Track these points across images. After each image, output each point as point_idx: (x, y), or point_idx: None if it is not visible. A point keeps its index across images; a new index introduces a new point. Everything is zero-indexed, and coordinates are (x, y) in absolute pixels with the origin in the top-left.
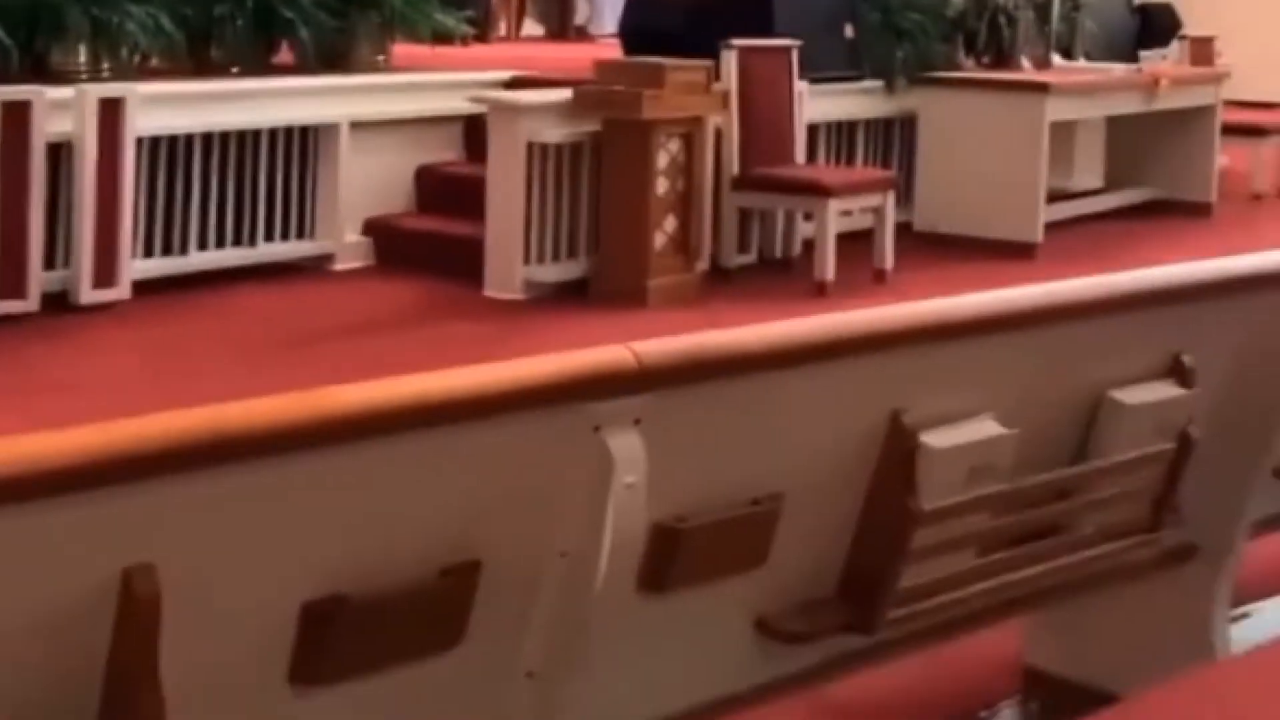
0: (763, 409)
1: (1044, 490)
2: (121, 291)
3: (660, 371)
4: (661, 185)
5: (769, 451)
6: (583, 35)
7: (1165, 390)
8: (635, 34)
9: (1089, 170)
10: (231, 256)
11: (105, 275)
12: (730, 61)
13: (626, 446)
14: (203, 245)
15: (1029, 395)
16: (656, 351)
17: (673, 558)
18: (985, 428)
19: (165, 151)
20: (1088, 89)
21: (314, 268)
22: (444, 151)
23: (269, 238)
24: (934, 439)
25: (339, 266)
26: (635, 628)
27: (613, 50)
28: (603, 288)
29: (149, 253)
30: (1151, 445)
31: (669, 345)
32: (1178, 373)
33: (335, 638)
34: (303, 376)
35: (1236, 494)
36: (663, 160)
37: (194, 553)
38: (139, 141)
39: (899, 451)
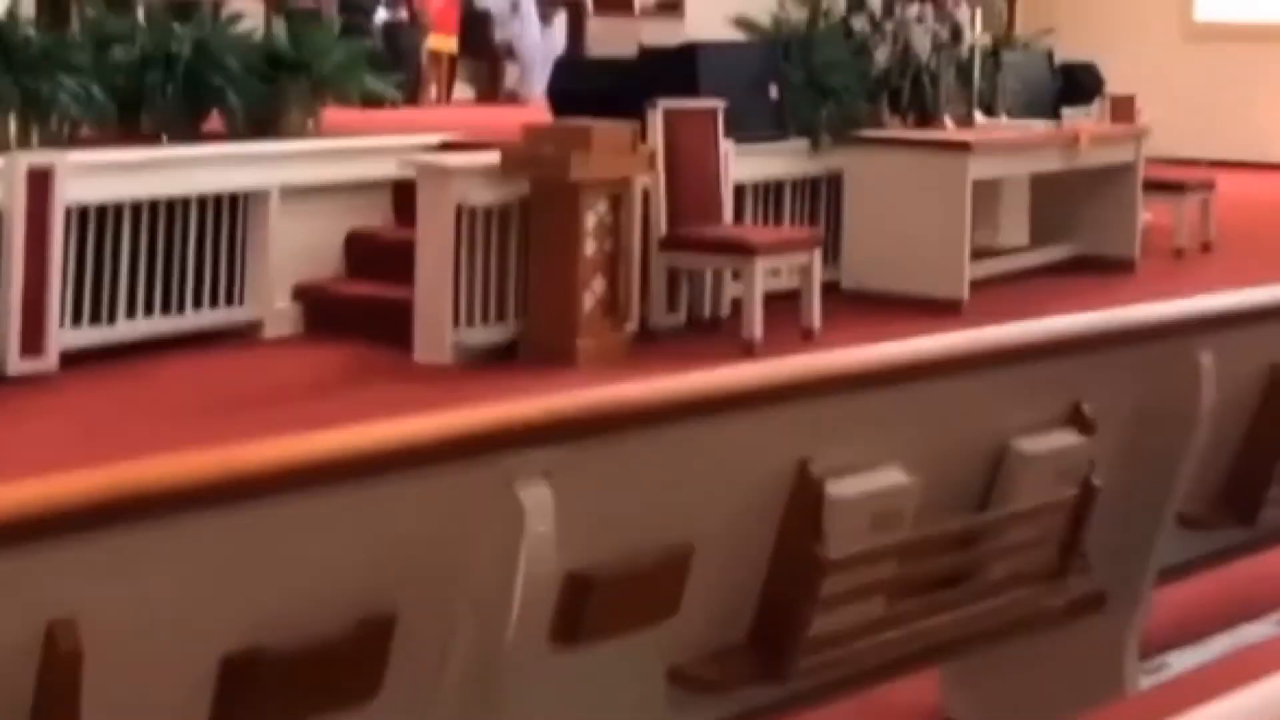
0: (671, 460)
1: (949, 538)
2: (49, 362)
3: (569, 424)
4: (590, 246)
5: (678, 502)
6: (513, 99)
7: (1066, 439)
8: (563, 96)
9: (1014, 227)
10: (160, 325)
11: (33, 345)
12: (656, 122)
13: (537, 498)
14: (131, 314)
15: (934, 444)
16: (565, 405)
17: (584, 608)
18: (890, 476)
19: (94, 220)
20: (1009, 147)
21: (243, 335)
22: (374, 216)
23: (198, 305)
24: (840, 488)
25: (268, 334)
26: (549, 678)
27: (542, 113)
28: (532, 350)
29: (77, 322)
30: (1055, 493)
31: (577, 399)
32: (1078, 421)
33: (255, 690)
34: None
35: (1143, 542)
36: (591, 221)
37: (115, 607)
38: (68, 210)
39: (806, 500)
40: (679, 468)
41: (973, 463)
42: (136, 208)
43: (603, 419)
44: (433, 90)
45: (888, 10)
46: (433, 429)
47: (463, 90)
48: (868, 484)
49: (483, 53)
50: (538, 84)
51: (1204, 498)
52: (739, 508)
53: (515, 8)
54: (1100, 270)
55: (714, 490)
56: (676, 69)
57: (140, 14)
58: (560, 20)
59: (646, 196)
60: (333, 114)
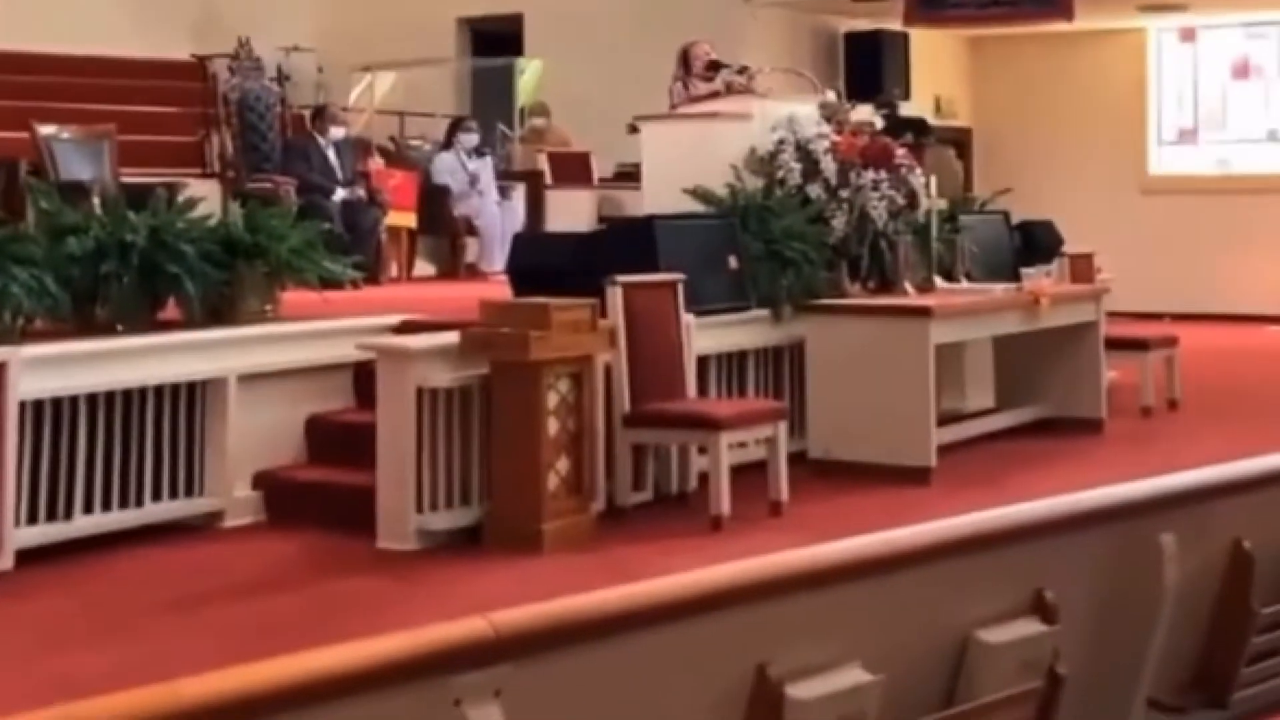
0: (626, 670)
1: None
2: (4, 562)
3: (519, 640)
4: (553, 426)
5: (634, 713)
6: (474, 273)
7: (1029, 627)
8: (522, 272)
9: (980, 389)
10: (118, 519)
11: None
12: (616, 298)
13: (487, 719)
14: (88, 509)
15: (894, 640)
16: (514, 621)
17: None
18: (852, 675)
19: (50, 414)
20: (970, 311)
21: (203, 525)
22: (334, 399)
23: (156, 497)
24: (799, 690)
25: (228, 523)
26: None
27: (502, 287)
28: (497, 534)
29: (33, 519)
30: (1020, 684)
31: (526, 614)
32: (1040, 609)
33: None
34: (185, 646)
35: None
36: (553, 400)
37: None
38: (22, 405)
39: (765, 705)
40: (635, 677)
41: (935, 656)
42: (92, 399)
43: (554, 633)
44: (393, 267)
45: (843, 178)
46: (376, 651)
47: (423, 266)
48: (829, 685)
49: (442, 228)
50: (498, 259)
51: (1174, 681)
52: (697, 715)
53: (473, 183)
54: (1068, 432)
55: (670, 700)
56: (635, 242)
57: (96, 203)
58: (519, 193)
59: (609, 372)
60: (291, 295)
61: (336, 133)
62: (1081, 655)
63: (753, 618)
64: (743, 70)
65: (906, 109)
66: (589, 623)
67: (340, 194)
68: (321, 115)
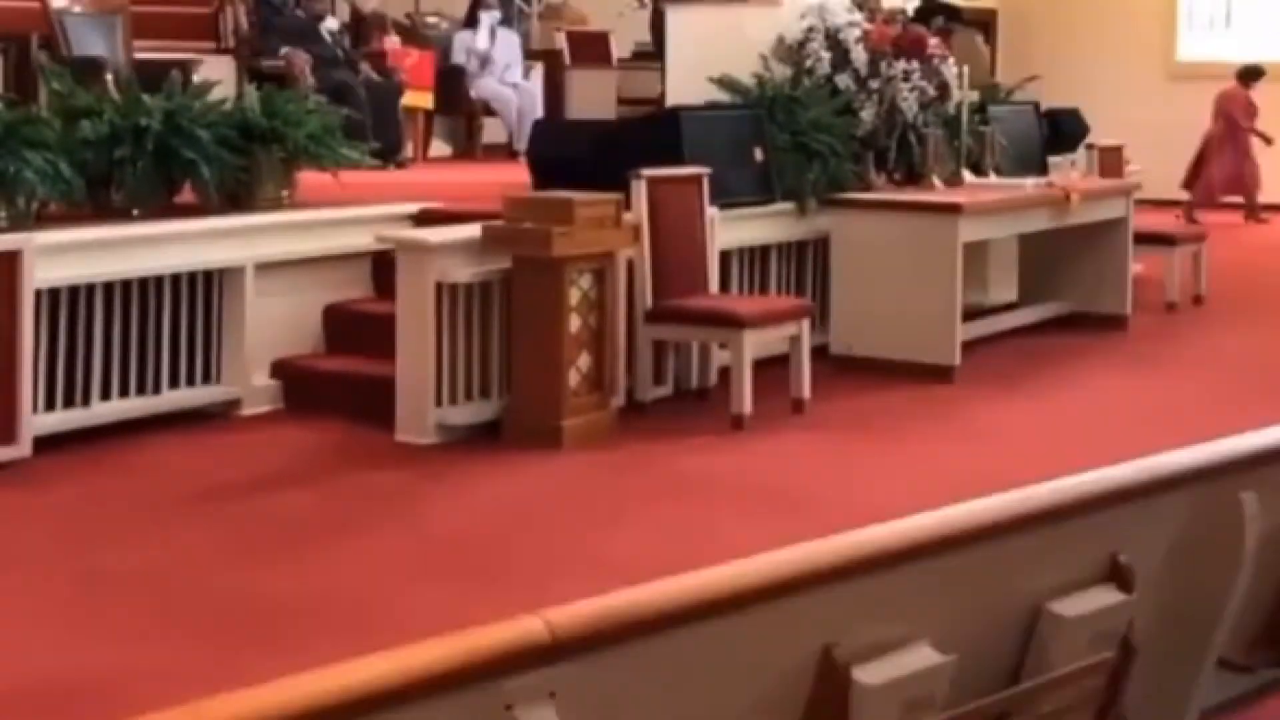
0: (686, 663)
1: (983, 715)
2: (22, 449)
3: (575, 639)
4: (574, 323)
5: (694, 707)
6: (491, 153)
7: (1104, 597)
8: (542, 161)
9: (1003, 284)
10: (136, 406)
11: (4, 433)
12: (640, 192)
13: None
14: (105, 396)
15: (965, 617)
16: (570, 619)
17: None
18: (920, 656)
19: (65, 302)
20: (1000, 208)
21: (221, 414)
22: (352, 289)
23: (174, 385)
24: (867, 674)
25: (246, 412)
26: None
27: (521, 171)
28: (516, 430)
29: (50, 406)
30: (1093, 654)
31: (583, 611)
32: (1116, 576)
33: None
34: (206, 543)
35: (1182, 691)
36: (575, 297)
37: None
38: (37, 293)
39: (831, 690)
40: (694, 669)
41: (1006, 631)
42: (108, 287)
43: (613, 630)
44: (409, 148)
45: (873, 68)
46: (427, 658)
47: (439, 146)
48: (897, 667)
49: (459, 109)
50: (518, 141)
51: (1243, 639)
52: (759, 703)
53: (484, 64)
54: (1092, 328)
55: (732, 689)
56: (660, 133)
57: (109, 81)
58: (537, 73)
59: (631, 268)
60: (308, 178)
61: (331, 23)
62: (1155, 619)
63: (816, 601)
64: None
65: None
66: (649, 617)
67: (340, 75)
68: None
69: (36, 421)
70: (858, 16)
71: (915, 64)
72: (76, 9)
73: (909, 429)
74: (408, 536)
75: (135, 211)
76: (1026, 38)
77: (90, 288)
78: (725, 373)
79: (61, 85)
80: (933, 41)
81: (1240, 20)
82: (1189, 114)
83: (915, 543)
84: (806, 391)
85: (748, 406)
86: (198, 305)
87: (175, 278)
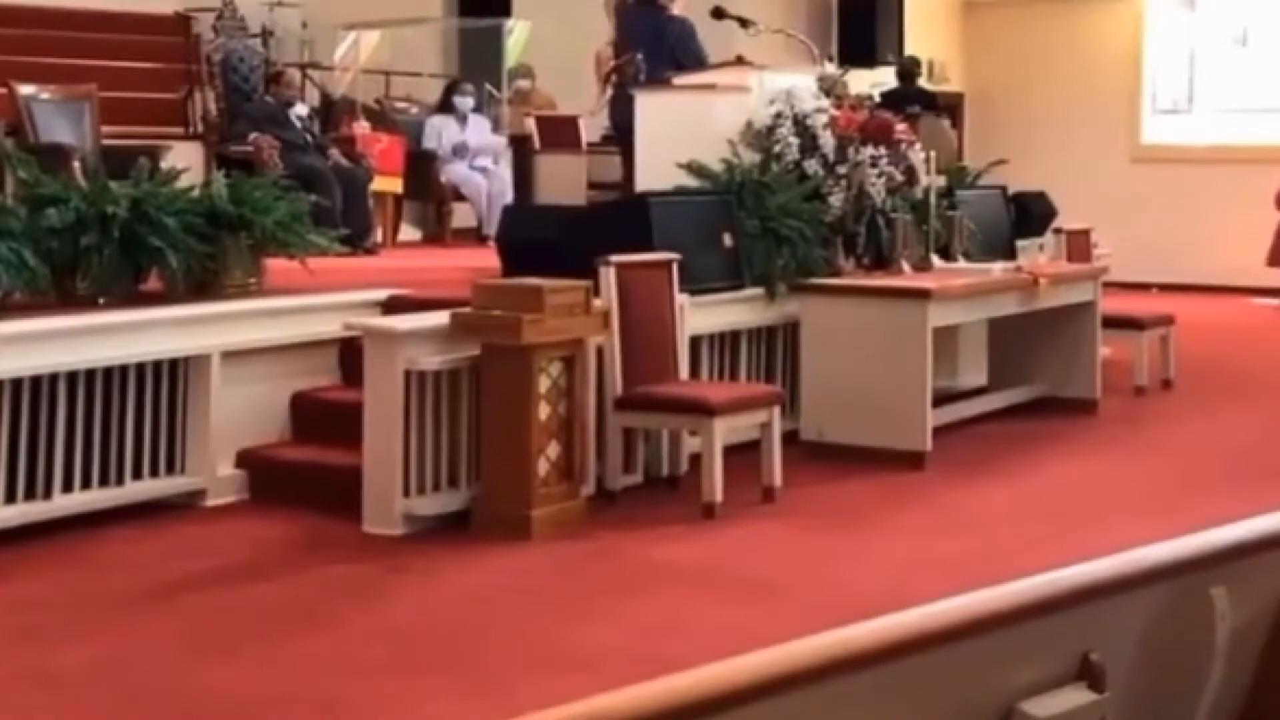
0: None
1: None
2: None
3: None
4: (544, 410)
5: None
6: (460, 237)
7: (1077, 696)
8: (512, 245)
9: (972, 368)
10: (98, 498)
11: None
12: (609, 278)
13: None
14: (68, 488)
15: (935, 719)
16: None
17: None
18: None
19: (28, 391)
20: (969, 292)
21: (185, 505)
22: (320, 377)
23: (137, 476)
24: None
25: (211, 502)
26: None
27: (489, 255)
28: (485, 520)
29: (10, 499)
30: None
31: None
32: (1088, 674)
33: None
34: (165, 637)
35: None
36: (544, 385)
37: None
38: (1, 384)
39: None
40: None
41: None
42: (71, 377)
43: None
44: (378, 233)
45: (841, 154)
46: None
47: (409, 231)
48: None
49: (429, 194)
50: (487, 226)
51: None
52: None
53: (457, 152)
54: (1062, 412)
55: None
56: (629, 219)
57: (78, 171)
58: (506, 159)
59: (600, 354)
60: (276, 264)
61: (300, 108)
62: (1127, 718)
63: (785, 704)
64: (745, 23)
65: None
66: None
67: (309, 160)
68: (277, 81)
69: None
70: (825, 103)
71: (883, 149)
72: (44, 95)
73: (880, 517)
74: (373, 630)
75: (101, 300)
76: (993, 121)
77: (53, 377)
78: (696, 459)
79: (28, 173)
80: (899, 127)
81: (1202, 103)
82: (1154, 196)
83: (884, 644)
84: (778, 479)
85: (719, 495)
86: (162, 394)
87: (140, 366)
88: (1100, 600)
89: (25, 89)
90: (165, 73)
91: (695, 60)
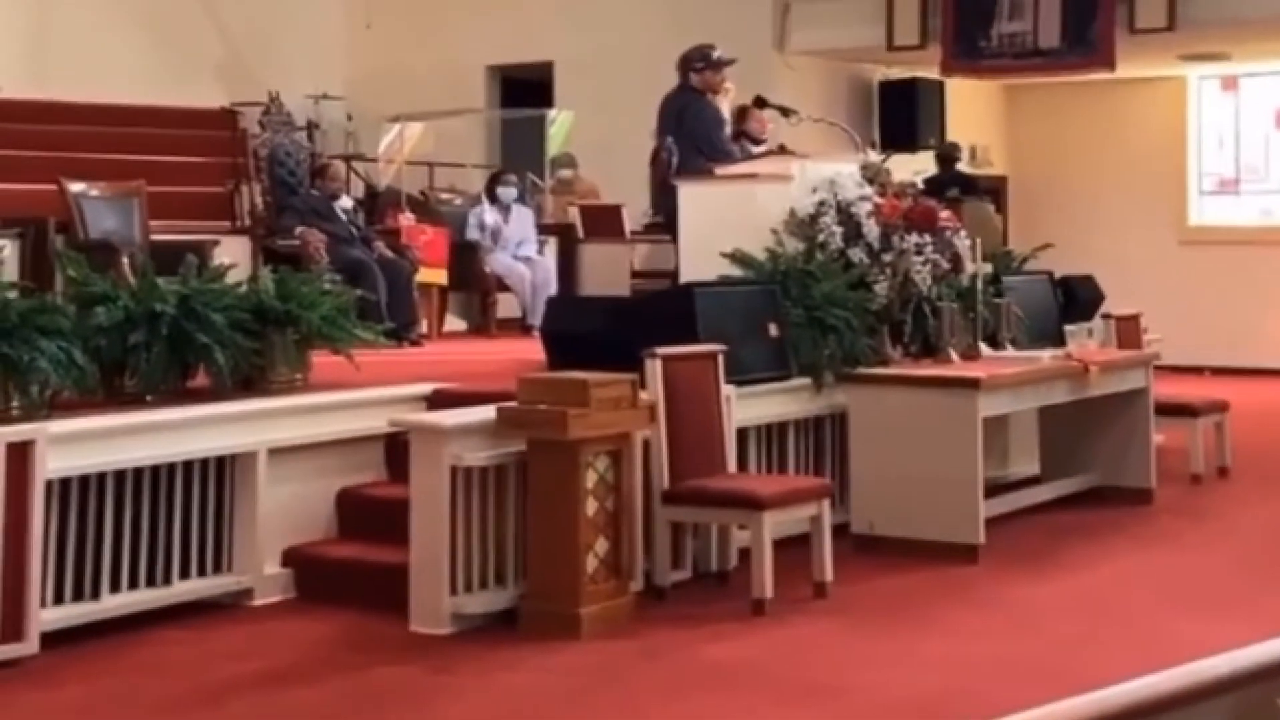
0: None
1: None
2: (29, 646)
3: None
4: (591, 506)
5: None
6: (505, 327)
7: None
8: (557, 337)
9: (1023, 455)
10: (145, 599)
11: (11, 630)
12: (655, 371)
13: None
14: (115, 588)
15: None
16: None
17: None
18: None
19: (76, 491)
20: (1018, 381)
21: (232, 604)
22: (366, 472)
23: (184, 575)
24: None
25: (258, 602)
26: None
27: (535, 346)
28: (533, 619)
29: (59, 600)
30: None
31: None
32: None
33: None
34: None
35: None
36: (591, 480)
37: None
38: (49, 483)
39: None
40: None
41: None
42: (119, 476)
43: None
44: (424, 324)
45: (885, 241)
46: None
47: (454, 322)
48: None
49: (473, 284)
50: (531, 316)
51: None
52: None
53: (495, 238)
54: (1116, 501)
55: None
56: (674, 310)
57: (126, 268)
58: (550, 247)
59: (647, 447)
60: (323, 360)
61: (345, 201)
62: None
63: None
64: (787, 112)
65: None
66: None
67: (355, 253)
68: (322, 174)
69: (45, 616)
70: (868, 190)
71: (927, 237)
72: (94, 192)
73: (934, 613)
74: None
75: (148, 398)
76: (1037, 205)
77: (101, 476)
78: (745, 553)
79: (77, 271)
80: (944, 214)
81: (1248, 184)
82: (1203, 278)
83: None
84: (829, 574)
85: (769, 590)
86: (209, 492)
87: (187, 464)
88: (1163, 714)
89: (75, 186)
90: (213, 166)
91: (709, 146)
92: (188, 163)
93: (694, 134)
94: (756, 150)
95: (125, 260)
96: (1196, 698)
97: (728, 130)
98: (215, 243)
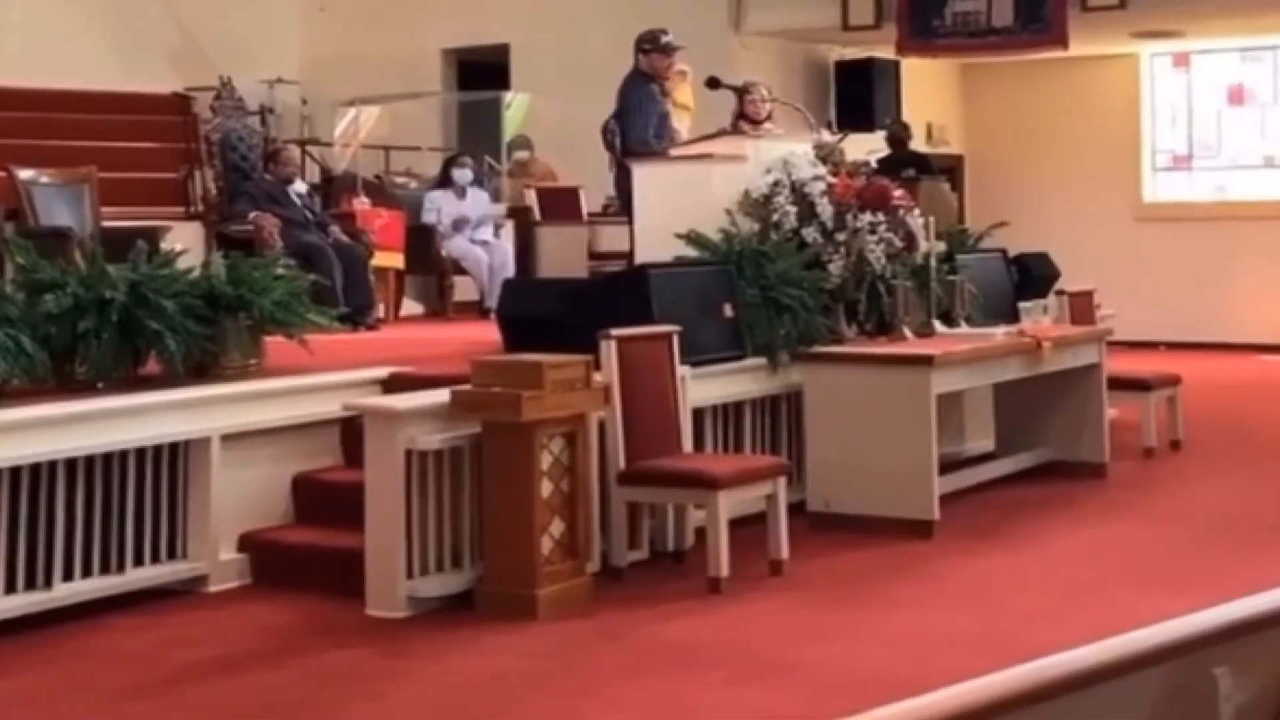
0: None
1: None
2: None
3: None
4: (546, 488)
5: None
6: (463, 310)
7: None
8: (512, 320)
9: (979, 430)
10: (99, 586)
11: None
12: (610, 352)
13: None
14: (68, 576)
15: None
16: None
17: None
18: None
19: (27, 480)
20: (972, 358)
21: (187, 591)
22: (322, 457)
23: (138, 563)
24: None
25: (213, 588)
26: None
27: (490, 329)
28: (490, 601)
29: (11, 589)
30: None
31: None
32: None
33: None
34: None
35: None
36: (546, 461)
37: None
38: None
39: None
40: None
41: None
42: (70, 464)
43: None
44: (380, 308)
45: (839, 221)
46: None
47: (411, 305)
48: None
49: (430, 268)
50: (489, 299)
51: None
52: None
53: (456, 226)
54: (1070, 476)
55: None
56: (628, 292)
57: (77, 255)
58: (507, 230)
59: (602, 429)
60: (278, 345)
61: (300, 185)
62: None
63: None
64: (746, 88)
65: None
66: None
67: (309, 237)
68: (275, 159)
69: None
70: (822, 170)
71: (881, 216)
72: (44, 178)
73: (889, 590)
74: (376, 717)
75: (99, 385)
76: (993, 183)
77: (52, 465)
78: (702, 533)
79: (25, 259)
80: (897, 193)
81: (1202, 159)
82: (1158, 254)
83: None
84: (784, 552)
85: (725, 569)
86: (163, 479)
87: (140, 451)
88: (1099, 685)
89: (25, 173)
90: (166, 152)
91: (631, 129)
92: (140, 148)
93: (620, 116)
94: (753, 133)
95: (76, 248)
96: (1132, 667)
97: (675, 120)
98: (167, 229)
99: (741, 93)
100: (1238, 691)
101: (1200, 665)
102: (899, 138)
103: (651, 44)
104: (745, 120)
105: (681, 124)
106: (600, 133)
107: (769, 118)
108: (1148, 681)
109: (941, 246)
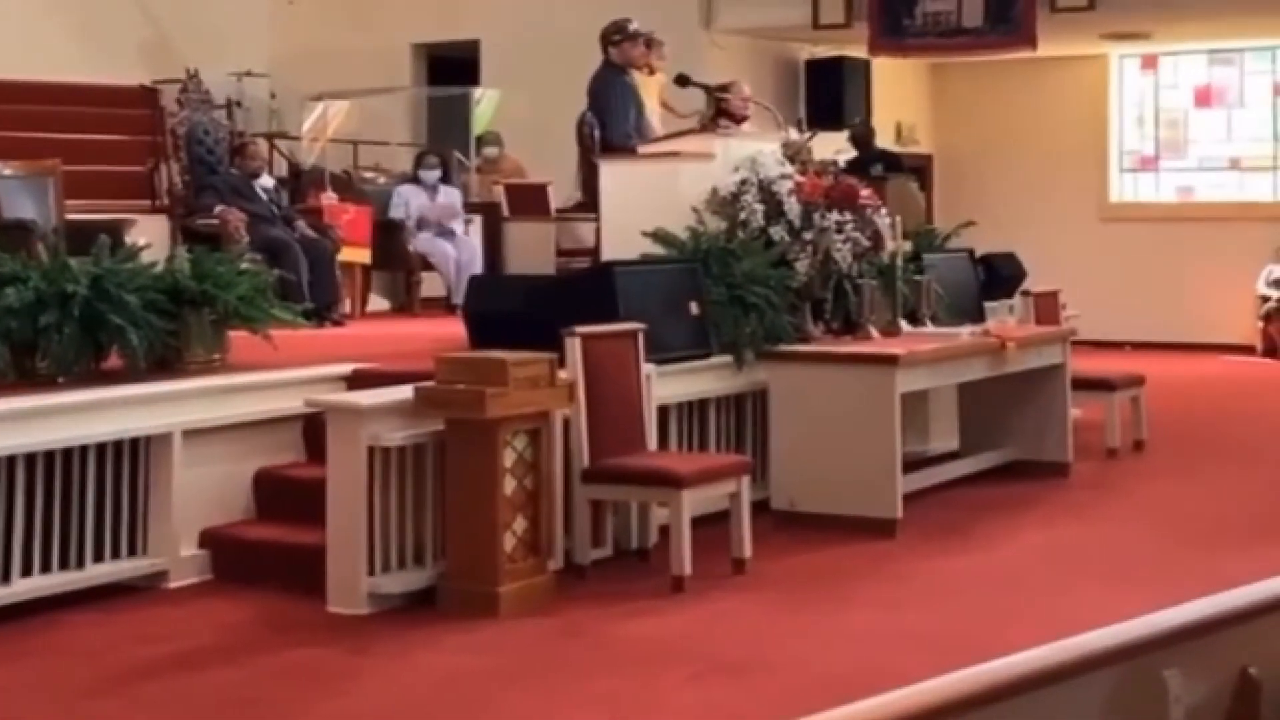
0: None
1: None
2: None
3: None
4: (509, 485)
5: None
6: (430, 306)
7: None
8: (478, 316)
9: (945, 432)
10: (58, 582)
11: None
12: (575, 350)
13: None
14: (26, 571)
15: None
16: None
17: None
18: None
19: None
20: (937, 357)
21: (148, 587)
22: (284, 453)
23: (98, 558)
24: None
25: (174, 584)
26: None
27: (456, 324)
28: (452, 598)
29: None
30: None
31: None
32: None
33: None
34: None
35: None
36: (509, 459)
37: None
38: None
39: None
40: None
41: None
42: (30, 458)
43: None
44: (346, 304)
45: (806, 220)
46: None
47: (377, 301)
48: None
49: (397, 263)
50: (456, 295)
51: None
52: None
53: (420, 225)
54: (1034, 475)
55: None
56: (594, 289)
57: (41, 249)
58: (475, 226)
59: (566, 426)
60: (242, 340)
61: (266, 180)
62: None
63: None
64: (724, 87)
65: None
66: None
67: (275, 232)
68: (242, 153)
69: None
70: (790, 169)
71: (848, 214)
72: (7, 171)
73: (851, 589)
74: (337, 715)
75: (60, 379)
76: (962, 182)
77: (11, 459)
78: (666, 531)
79: None
80: (865, 192)
81: (1168, 161)
82: (1123, 255)
83: None
84: (748, 550)
85: (688, 568)
86: (124, 475)
87: (100, 447)
88: (1050, 686)
89: None
90: (132, 145)
91: (611, 122)
92: (106, 141)
93: (597, 110)
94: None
95: (40, 242)
96: (1082, 669)
97: (651, 110)
98: (132, 222)
99: (711, 91)
100: (1188, 693)
101: (1151, 667)
102: (863, 139)
103: (620, 34)
104: (726, 118)
105: (654, 116)
106: (576, 127)
107: (747, 116)
108: (1098, 683)
109: (908, 246)
